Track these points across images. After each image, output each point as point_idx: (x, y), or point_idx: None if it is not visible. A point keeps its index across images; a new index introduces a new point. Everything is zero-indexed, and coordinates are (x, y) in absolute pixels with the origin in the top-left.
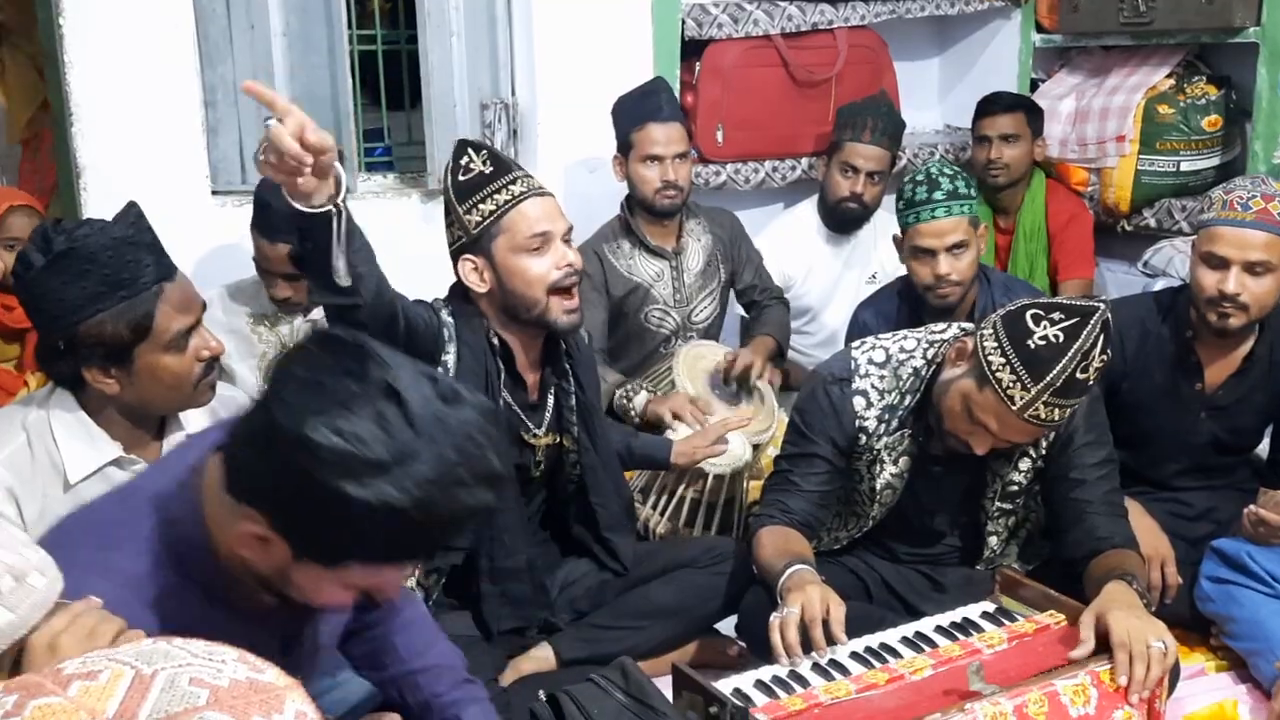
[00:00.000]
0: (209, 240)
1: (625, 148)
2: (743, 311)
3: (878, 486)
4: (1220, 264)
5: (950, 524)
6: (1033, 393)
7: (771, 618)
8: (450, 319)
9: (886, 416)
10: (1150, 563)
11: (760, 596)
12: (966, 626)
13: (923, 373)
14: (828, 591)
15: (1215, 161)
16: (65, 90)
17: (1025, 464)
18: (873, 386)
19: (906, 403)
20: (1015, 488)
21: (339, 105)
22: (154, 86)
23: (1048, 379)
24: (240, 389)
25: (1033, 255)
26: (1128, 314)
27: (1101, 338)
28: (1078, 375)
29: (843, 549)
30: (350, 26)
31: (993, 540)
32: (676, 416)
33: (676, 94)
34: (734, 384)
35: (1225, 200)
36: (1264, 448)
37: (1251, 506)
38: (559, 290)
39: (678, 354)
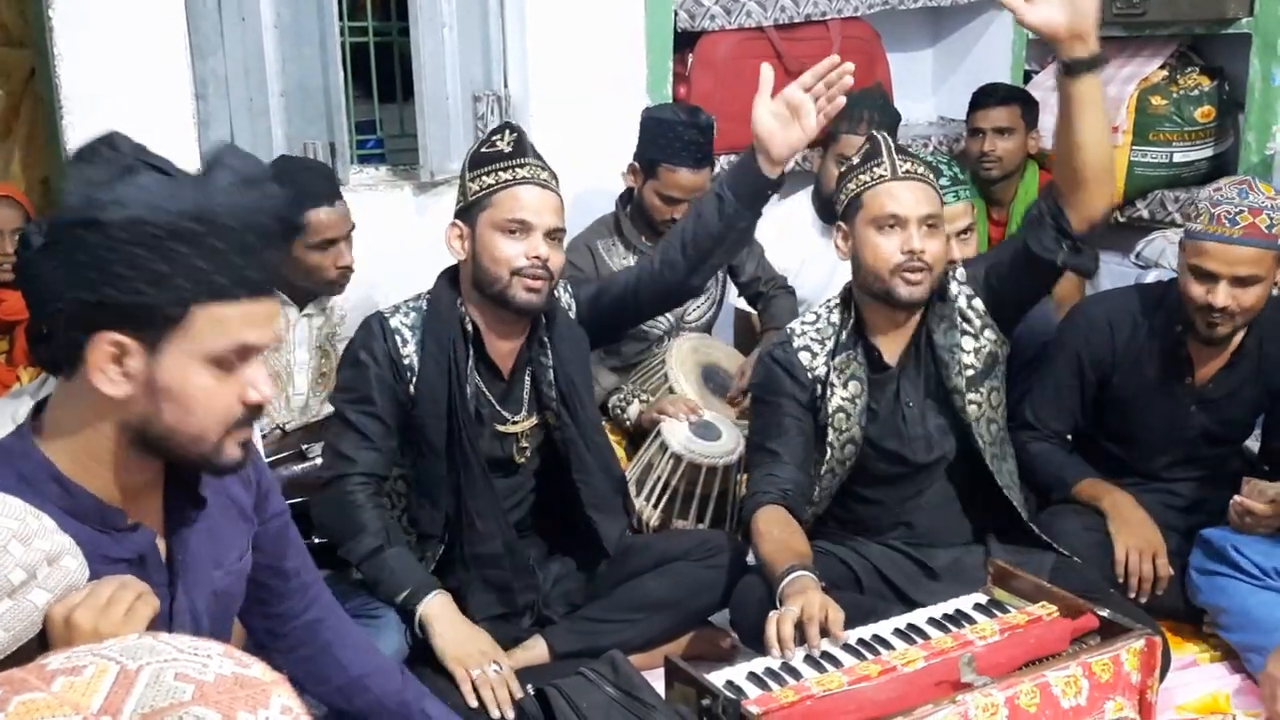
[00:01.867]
0: None
1: (649, 167)
2: (744, 305)
3: (830, 410)
4: (1208, 277)
5: (931, 436)
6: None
7: (770, 614)
8: (411, 315)
9: (829, 351)
10: (1141, 554)
11: (753, 586)
12: (958, 618)
13: (845, 298)
14: (828, 599)
15: (1208, 153)
16: (56, 82)
17: (969, 343)
18: (811, 340)
19: (839, 329)
20: (972, 371)
21: (331, 97)
22: (145, 79)
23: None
24: None
25: None
26: (1117, 307)
27: None
28: None
29: (834, 529)
30: (342, 18)
31: (982, 428)
32: (663, 413)
33: (669, 86)
34: (726, 375)
35: (1213, 214)
36: (1255, 439)
37: (1237, 497)
38: (522, 274)
39: (670, 349)
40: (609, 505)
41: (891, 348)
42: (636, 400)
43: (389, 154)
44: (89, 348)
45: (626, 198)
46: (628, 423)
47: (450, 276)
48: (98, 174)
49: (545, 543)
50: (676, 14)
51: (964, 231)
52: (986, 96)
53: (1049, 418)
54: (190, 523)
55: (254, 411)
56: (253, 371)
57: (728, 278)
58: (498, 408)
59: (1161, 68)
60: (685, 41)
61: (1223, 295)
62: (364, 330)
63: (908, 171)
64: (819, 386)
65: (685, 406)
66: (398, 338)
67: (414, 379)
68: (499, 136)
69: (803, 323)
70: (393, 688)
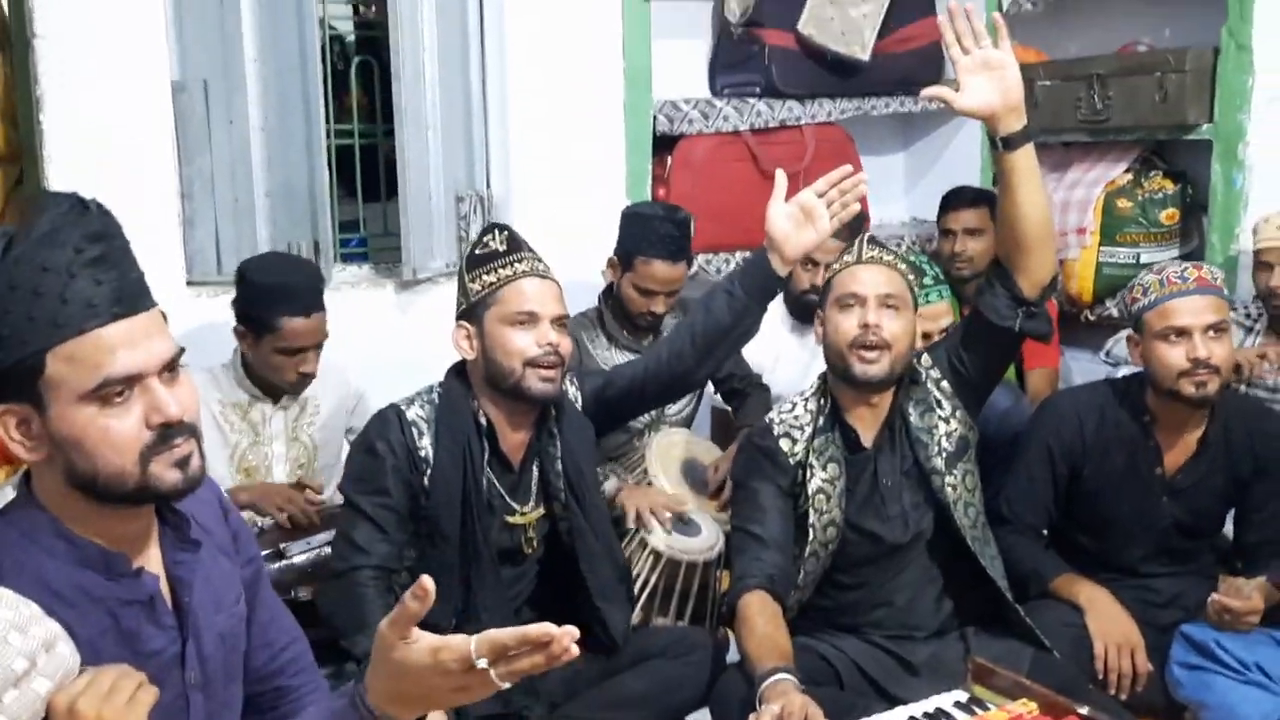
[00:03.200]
0: (184, 331)
1: (626, 261)
2: (720, 401)
3: (810, 492)
4: (1182, 335)
5: (908, 515)
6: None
7: (750, 716)
8: (425, 408)
9: (809, 436)
10: (1120, 650)
11: (734, 684)
12: (938, 716)
13: (821, 384)
14: (808, 700)
15: (1174, 253)
16: (44, 183)
17: (943, 426)
18: (790, 427)
19: (816, 414)
20: (947, 453)
21: (316, 197)
22: (132, 179)
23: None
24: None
25: None
26: (1086, 400)
27: None
28: None
29: (816, 617)
30: (328, 121)
31: (960, 512)
32: (640, 518)
33: (648, 188)
34: (706, 471)
35: (1161, 279)
36: (1230, 531)
37: (1215, 595)
38: (537, 365)
39: (650, 443)
40: (615, 595)
41: (867, 429)
42: (614, 476)
43: (372, 253)
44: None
45: (608, 293)
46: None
47: (458, 371)
48: None
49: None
50: (655, 118)
51: (946, 329)
52: (956, 199)
53: (1023, 511)
54: (190, 566)
55: (170, 431)
56: (148, 396)
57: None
58: (507, 499)
59: (1127, 171)
60: (664, 144)
61: (1201, 347)
62: (380, 421)
63: (871, 257)
64: (799, 471)
65: (663, 504)
66: (414, 430)
67: (429, 470)
68: (490, 236)
69: (780, 411)
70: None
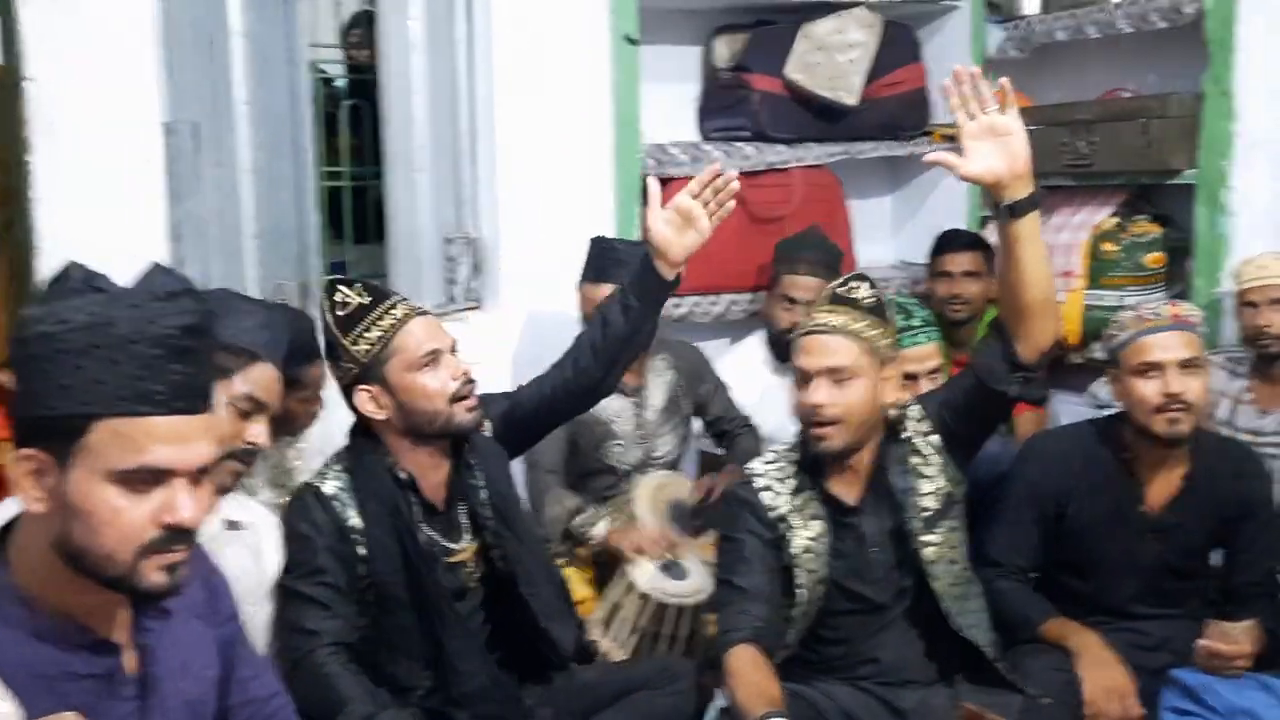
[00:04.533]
0: None
1: (593, 289)
2: (708, 445)
3: (795, 552)
4: (1156, 370)
5: (891, 575)
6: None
7: None
8: (342, 478)
9: (791, 490)
10: (1109, 695)
11: None
12: None
13: (802, 440)
14: None
15: (1159, 296)
16: (31, 222)
17: (925, 485)
18: (773, 479)
19: (799, 469)
20: (929, 513)
21: (305, 239)
22: (121, 222)
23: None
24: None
25: None
26: (1068, 440)
27: None
28: None
29: (801, 669)
30: (318, 163)
31: (941, 570)
32: (639, 551)
33: (637, 231)
34: (696, 516)
35: (1136, 316)
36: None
37: (1202, 640)
38: (460, 398)
39: (638, 486)
40: (559, 613)
41: (849, 489)
42: (604, 521)
43: None
44: (16, 465)
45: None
46: (592, 542)
47: (363, 432)
48: (42, 298)
49: (507, 678)
50: (644, 161)
51: (934, 371)
52: (953, 241)
53: (1011, 554)
54: (157, 634)
55: (175, 535)
56: (171, 494)
57: (691, 417)
58: (443, 542)
59: (1112, 215)
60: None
61: (1175, 381)
62: (299, 504)
63: (818, 326)
64: (780, 525)
65: (652, 538)
66: (336, 504)
67: (363, 540)
68: (343, 296)
69: (764, 462)
70: None
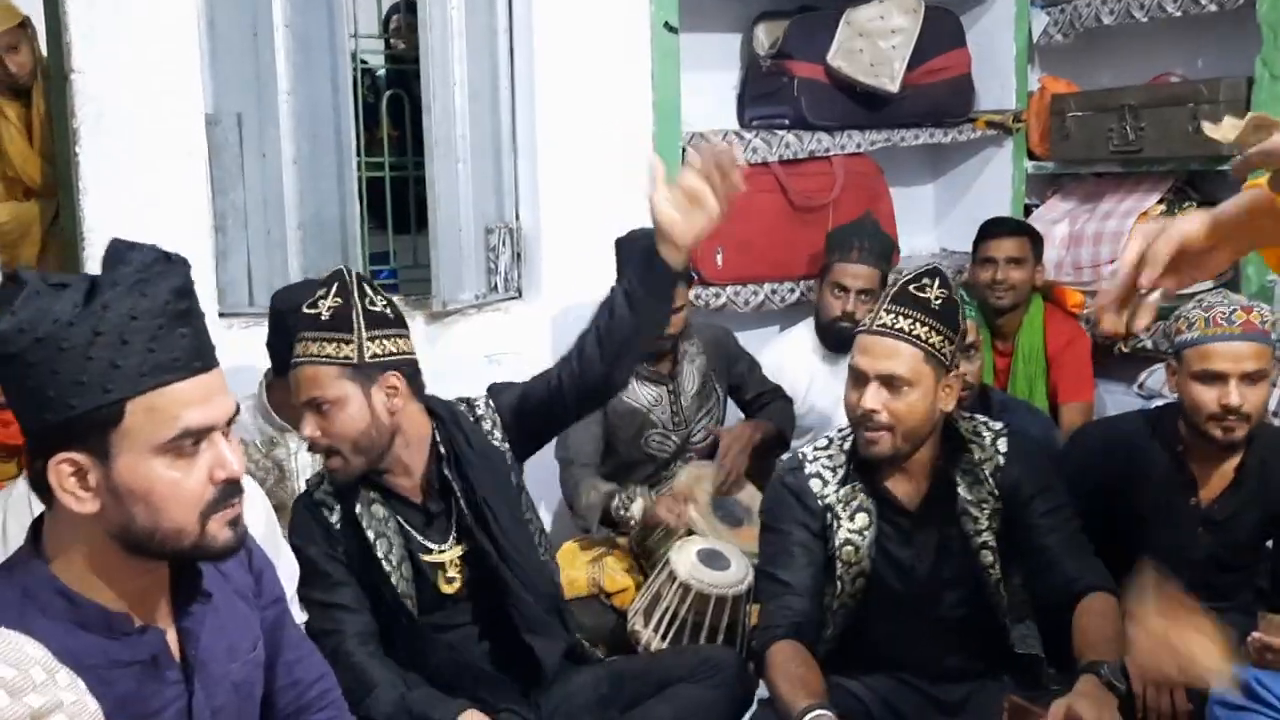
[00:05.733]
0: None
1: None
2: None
3: (837, 543)
4: (1217, 379)
5: (944, 585)
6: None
7: None
8: (328, 485)
9: (840, 480)
10: (1159, 690)
11: None
12: None
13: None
14: None
15: (1209, 285)
16: (79, 214)
17: (991, 502)
18: (823, 467)
19: (849, 459)
20: (984, 539)
21: (347, 229)
22: (166, 213)
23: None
24: None
25: (1031, 378)
26: (1118, 432)
27: None
28: None
29: (845, 662)
30: (359, 154)
31: (998, 590)
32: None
33: None
34: (737, 505)
35: (1207, 318)
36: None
37: (1254, 634)
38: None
39: (679, 476)
40: (545, 628)
41: (906, 489)
42: (640, 498)
43: (402, 284)
44: (49, 474)
45: None
46: (632, 521)
47: None
48: (8, 310)
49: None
50: (684, 150)
51: (968, 348)
52: (998, 227)
53: None
54: (199, 618)
55: (229, 489)
56: (214, 451)
57: (728, 400)
58: (419, 538)
59: (1160, 201)
60: None
61: (1235, 394)
62: (295, 516)
63: (882, 326)
64: (827, 515)
65: (682, 498)
66: (321, 510)
67: (344, 540)
68: (322, 296)
69: (815, 448)
70: None
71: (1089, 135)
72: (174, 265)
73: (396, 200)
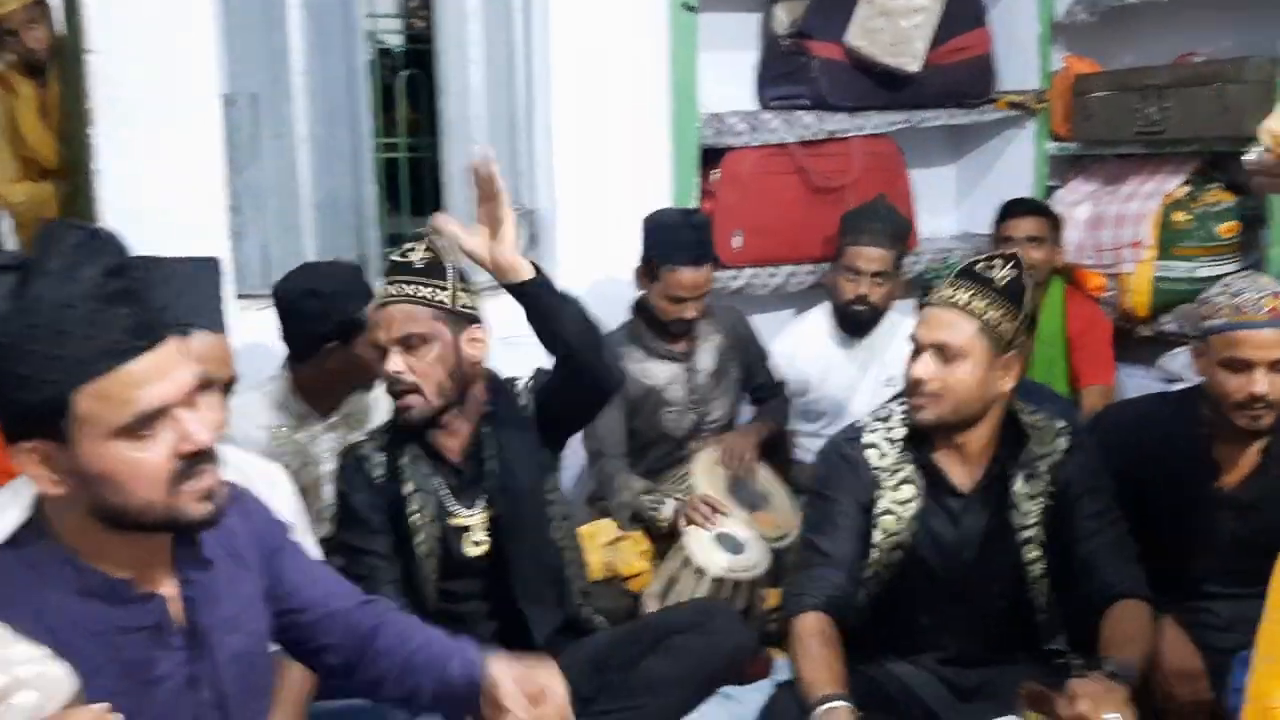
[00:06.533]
0: (233, 342)
1: (651, 270)
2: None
3: (878, 510)
4: (1244, 367)
5: (983, 571)
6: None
7: None
8: (381, 437)
9: (897, 451)
10: (1180, 678)
11: (788, 705)
12: None
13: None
14: None
15: (1232, 268)
16: (94, 195)
17: (1044, 500)
18: (881, 437)
19: (907, 434)
20: (1031, 534)
21: (362, 211)
22: (182, 192)
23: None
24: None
25: (1051, 360)
26: (1141, 414)
27: None
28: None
29: (869, 641)
30: (375, 134)
31: (1040, 588)
32: (690, 520)
33: (695, 201)
34: (753, 489)
35: (1235, 305)
36: None
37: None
38: (393, 395)
39: (696, 460)
40: (542, 597)
41: (959, 470)
42: (671, 500)
43: None
44: (17, 460)
45: (640, 304)
46: (662, 524)
47: None
48: None
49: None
50: (702, 130)
51: None
52: (1016, 207)
53: None
54: (202, 586)
55: (196, 459)
56: (176, 425)
57: (740, 381)
58: (447, 503)
59: (1184, 184)
60: (710, 157)
61: (1262, 382)
62: (340, 466)
63: (942, 299)
64: (874, 485)
65: (711, 505)
66: (366, 463)
67: (384, 492)
68: (412, 249)
69: (876, 419)
70: (436, 648)
71: (1112, 116)
72: (103, 243)
73: (412, 181)
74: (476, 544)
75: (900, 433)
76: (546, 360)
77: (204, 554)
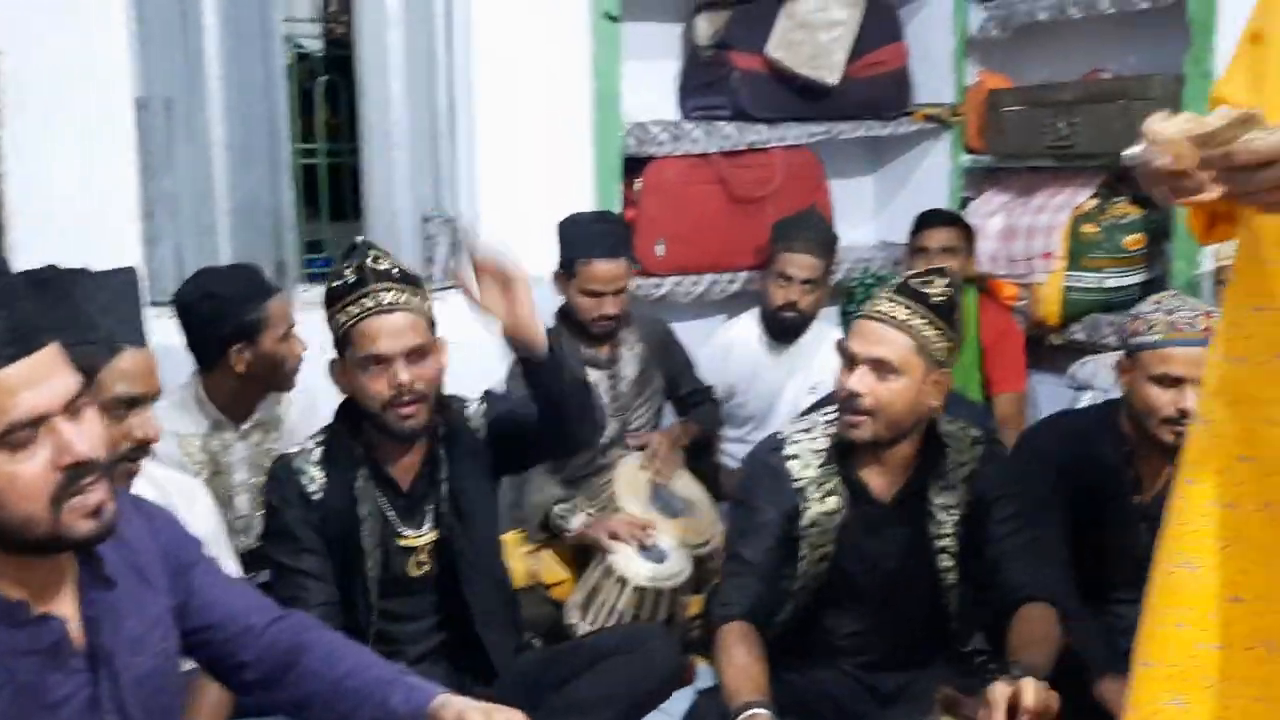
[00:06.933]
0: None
1: (569, 270)
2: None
3: (804, 523)
4: (1176, 383)
5: (902, 580)
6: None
7: None
8: (316, 451)
9: (819, 464)
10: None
11: (710, 710)
12: None
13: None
14: None
15: (1139, 279)
16: (2, 199)
17: (960, 511)
18: (804, 448)
19: (830, 444)
20: (945, 543)
21: (280, 217)
22: (93, 198)
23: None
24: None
25: (965, 368)
26: (1064, 431)
27: None
28: None
29: (791, 647)
30: (294, 140)
31: (950, 586)
32: (614, 537)
33: (618, 209)
34: (675, 496)
35: (1170, 322)
36: None
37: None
38: (394, 406)
39: (617, 468)
40: (498, 622)
41: (881, 482)
42: (583, 513)
43: None
44: None
45: (564, 311)
46: (568, 535)
47: (345, 404)
48: None
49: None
50: (625, 139)
51: None
52: (933, 218)
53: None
54: (104, 606)
55: (79, 472)
56: (55, 437)
57: (663, 391)
58: (395, 525)
59: (1093, 196)
60: (633, 166)
61: (1192, 398)
62: (271, 479)
63: (879, 312)
64: (799, 496)
65: (635, 527)
66: (301, 477)
67: (322, 509)
68: (347, 264)
69: (798, 430)
70: (371, 675)
71: (1024, 130)
72: None
73: (332, 187)
74: (420, 564)
75: (823, 444)
76: (463, 367)
77: (107, 572)
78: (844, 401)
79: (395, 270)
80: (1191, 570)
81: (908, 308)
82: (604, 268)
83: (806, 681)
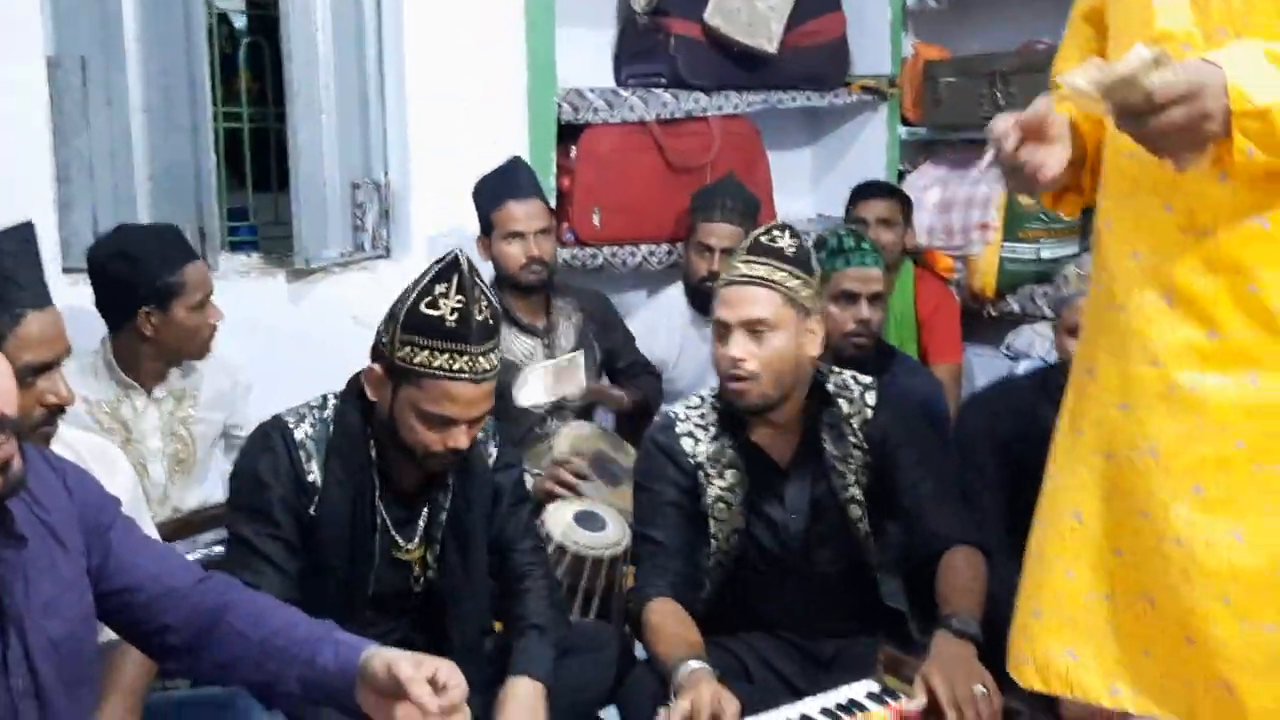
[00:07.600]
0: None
1: (488, 228)
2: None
3: (709, 501)
4: None
5: (815, 541)
6: None
7: (659, 713)
8: (316, 428)
9: (711, 437)
10: None
11: (644, 680)
12: (850, 707)
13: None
14: (721, 689)
15: (1074, 249)
16: None
17: (858, 455)
18: (695, 425)
19: (720, 417)
20: (851, 493)
21: (201, 183)
22: (3, 160)
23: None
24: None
25: (902, 340)
26: (1007, 395)
27: None
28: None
29: (722, 620)
30: (216, 103)
31: (864, 536)
32: (549, 495)
33: (553, 177)
34: (614, 464)
35: (1081, 274)
36: None
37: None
38: (434, 457)
39: (556, 435)
40: (472, 651)
41: (776, 445)
42: (527, 474)
43: (263, 241)
44: None
45: (499, 279)
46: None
47: (358, 393)
48: None
49: None
50: (560, 106)
51: (875, 296)
52: (869, 190)
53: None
54: (13, 565)
55: None
56: None
57: (604, 361)
58: (395, 534)
59: None
60: (568, 134)
61: None
62: (264, 442)
63: (740, 276)
64: (698, 473)
65: (560, 468)
66: (302, 453)
67: (318, 499)
68: (444, 294)
69: (687, 407)
70: (299, 633)
71: (961, 101)
72: None
73: (256, 154)
74: (413, 578)
75: (712, 417)
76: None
77: (17, 530)
78: (727, 370)
79: (493, 324)
80: (1079, 520)
81: (765, 264)
82: (518, 208)
83: (743, 648)
